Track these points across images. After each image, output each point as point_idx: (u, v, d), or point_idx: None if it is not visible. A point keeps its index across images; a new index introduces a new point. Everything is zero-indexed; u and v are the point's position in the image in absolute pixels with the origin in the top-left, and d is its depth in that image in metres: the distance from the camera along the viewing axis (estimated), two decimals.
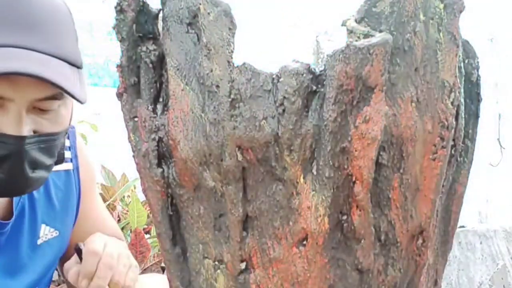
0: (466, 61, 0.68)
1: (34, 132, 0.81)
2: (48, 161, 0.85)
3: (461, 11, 0.60)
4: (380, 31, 0.58)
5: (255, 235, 0.64)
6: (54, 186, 1.02)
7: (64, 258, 1.05)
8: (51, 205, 1.01)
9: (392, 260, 0.64)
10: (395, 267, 0.65)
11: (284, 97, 0.58)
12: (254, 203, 0.63)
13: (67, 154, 1.02)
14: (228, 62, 0.60)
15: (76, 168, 1.05)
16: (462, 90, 0.64)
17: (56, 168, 0.96)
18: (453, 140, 0.65)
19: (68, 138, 1.02)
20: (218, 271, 0.67)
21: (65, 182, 1.03)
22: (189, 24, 0.63)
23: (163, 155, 0.67)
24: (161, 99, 0.66)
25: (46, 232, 1.00)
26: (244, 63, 0.59)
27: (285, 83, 0.58)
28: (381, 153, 0.60)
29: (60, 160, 0.90)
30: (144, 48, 0.66)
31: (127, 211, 2.01)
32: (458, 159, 0.69)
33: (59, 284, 1.89)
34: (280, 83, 0.58)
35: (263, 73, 0.59)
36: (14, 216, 0.95)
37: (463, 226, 2.98)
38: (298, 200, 0.61)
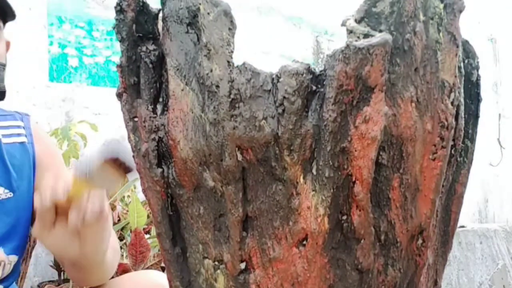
0: (466, 61, 0.68)
1: None
2: None
3: (461, 11, 0.60)
4: (380, 31, 0.58)
5: (255, 235, 0.64)
6: (9, 154, 1.12)
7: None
8: (5, 169, 1.11)
9: (392, 260, 0.64)
10: (395, 267, 0.65)
11: (284, 97, 0.58)
12: (254, 203, 0.63)
13: (21, 131, 1.17)
14: (228, 62, 0.60)
15: (31, 143, 1.16)
16: (462, 90, 0.64)
17: (11, 140, 1.13)
18: (453, 140, 0.65)
19: (22, 120, 1.19)
20: (218, 271, 0.67)
21: (21, 153, 1.14)
22: (189, 24, 0.63)
23: (163, 155, 0.67)
24: (161, 99, 0.66)
25: (0, 192, 1.09)
26: (244, 63, 0.59)
27: (285, 83, 0.58)
28: (381, 153, 0.60)
29: (3, 93, 1.08)
30: (144, 48, 0.66)
31: (127, 211, 2.01)
32: (458, 159, 0.69)
33: (59, 284, 1.89)
34: (280, 83, 0.58)
35: (263, 73, 0.59)
36: None
37: (463, 226, 2.98)
38: (298, 200, 0.60)
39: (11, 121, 1.16)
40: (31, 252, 1.42)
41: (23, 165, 1.13)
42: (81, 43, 2.66)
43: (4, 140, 1.13)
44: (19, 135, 1.15)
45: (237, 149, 0.60)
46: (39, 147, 1.16)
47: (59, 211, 0.82)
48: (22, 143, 1.15)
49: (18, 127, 1.16)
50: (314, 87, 0.58)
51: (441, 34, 0.60)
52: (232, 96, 0.59)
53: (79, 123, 2.14)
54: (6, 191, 1.10)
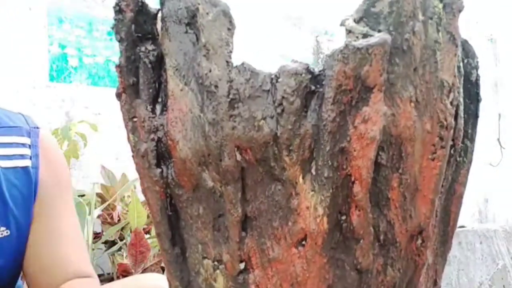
0: (466, 61, 0.68)
1: None
2: None
3: (460, 11, 0.60)
4: (379, 31, 0.58)
5: (254, 235, 0.63)
6: (8, 182, 0.98)
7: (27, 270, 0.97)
8: (3, 202, 0.96)
9: (391, 260, 0.64)
10: (394, 267, 0.64)
11: (283, 97, 0.58)
12: (253, 203, 0.63)
13: (25, 151, 1.00)
14: (227, 62, 0.60)
15: (36, 168, 1.01)
16: (461, 90, 0.64)
17: (12, 164, 0.96)
18: (452, 140, 0.65)
19: (30, 136, 1.01)
20: (217, 271, 0.67)
21: (24, 180, 0.99)
22: (188, 24, 0.63)
23: (162, 155, 0.67)
24: (160, 99, 0.66)
25: None
26: (243, 63, 0.59)
27: (284, 83, 0.58)
28: (380, 153, 0.60)
29: None
30: (143, 48, 0.66)
31: (127, 211, 2.01)
32: (458, 159, 0.69)
33: None
34: (279, 83, 0.58)
35: (262, 73, 0.59)
36: None
37: (463, 226, 2.98)
38: (297, 200, 0.60)
39: (15, 137, 1.00)
40: None
41: (23, 195, 0.98)
42: (81, 43, 2.66)
43: (4, 164, 0.98)
44: (22, 156, 1.00)
45: (236, 149, 0.60)
46: (45, 172, 1.02)
47: None
48: (25, 167, 0.99)
49: (23, 145, 1.00)
50: (313, 87, 0.58)
51: (440, 33, 0.59)
52: (231, 96, 0.59)
53: (79, 123, 2.14)
54: (3, 229, 0.95)
